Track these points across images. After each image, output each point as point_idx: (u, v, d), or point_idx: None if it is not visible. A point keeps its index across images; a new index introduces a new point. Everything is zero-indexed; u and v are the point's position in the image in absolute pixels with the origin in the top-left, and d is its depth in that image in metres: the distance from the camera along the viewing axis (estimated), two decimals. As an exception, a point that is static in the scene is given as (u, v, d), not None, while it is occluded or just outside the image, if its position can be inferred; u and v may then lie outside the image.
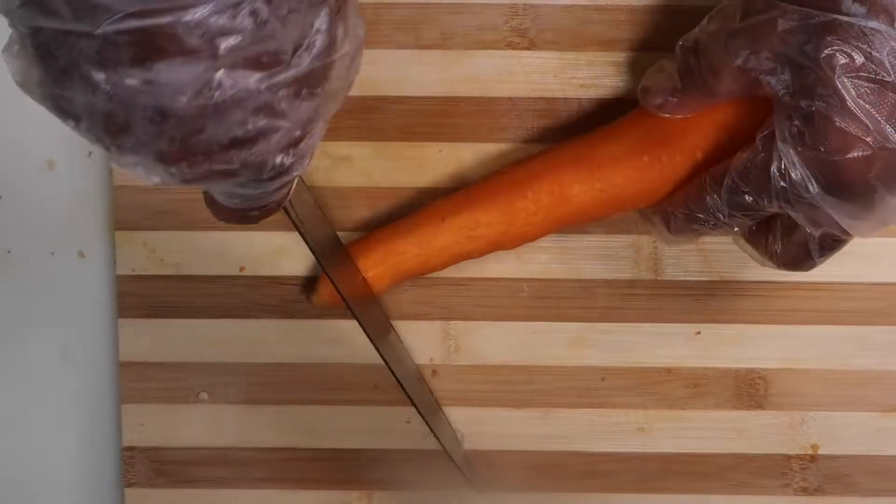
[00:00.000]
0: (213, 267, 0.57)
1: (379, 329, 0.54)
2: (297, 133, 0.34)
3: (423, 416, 0.54)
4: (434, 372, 0.57)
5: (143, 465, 0.58)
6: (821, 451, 0.57)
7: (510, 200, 0.52)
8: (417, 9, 0.55)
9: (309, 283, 0.57)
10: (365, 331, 0.52)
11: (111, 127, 0.31)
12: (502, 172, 0.54)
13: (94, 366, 0.59)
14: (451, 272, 0.56)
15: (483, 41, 0.55)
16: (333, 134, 0.56)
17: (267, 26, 0.30)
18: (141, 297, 0.57)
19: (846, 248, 0.55)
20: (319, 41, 0.32)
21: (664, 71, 0.49)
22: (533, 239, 0.54)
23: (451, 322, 0.57)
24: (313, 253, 0.50)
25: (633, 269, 0.56)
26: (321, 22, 0.32)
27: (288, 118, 0.33)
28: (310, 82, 0.33)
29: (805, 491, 0.57)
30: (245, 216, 0.40)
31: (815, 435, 0.57)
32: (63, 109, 0.31)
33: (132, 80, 0.30)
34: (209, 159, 0.32)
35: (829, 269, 0.56)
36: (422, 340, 0.57)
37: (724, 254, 0.56)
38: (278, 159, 0.34)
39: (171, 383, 0.57)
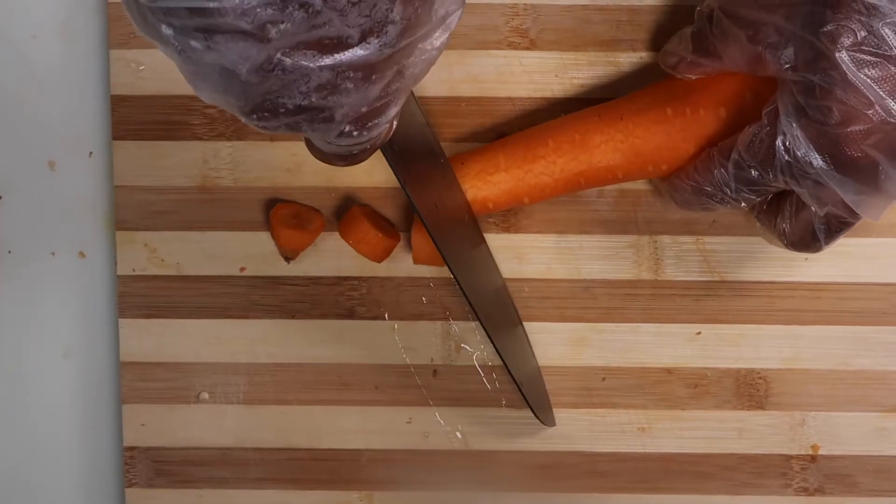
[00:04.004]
0: (214, 267, 0.57)
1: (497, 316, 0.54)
2: (364, 110, 0.35)
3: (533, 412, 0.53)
4: (434, 372, 0.57)
5: (143, 465, 0.57)
6: (821, 452, 0.57)
7: (530, 148, 0.53)
8: (418, 9, 0.55)
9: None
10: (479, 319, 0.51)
11: (187, 74, 0.34)
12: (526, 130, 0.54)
13: (95, 366, 0.59)
14: (452, 272, 0.56)
15: (484, 41, 0.55)
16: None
17: (321, 16, 0.31)
18: (141, 297, 0.57)
19: (846, 249, 0.55)
20: (392, 29, 0.33)
21: (684, 36, 0.50)
22: (550, 195, 0.53)
23: (451, 322, 0.57)
24: (416, 212, 0.50)
25: (634, 270, 0.56)
26: (395, 11, 0.32)
27: (352, 97, 0.34)
28: (379, 67, 0.34)
29: (805, 491, 0.57)
30: (342, 157, 0.40)
31: (816, 435, 0.57)
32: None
33: (196, 42, 0.31)
34: (277, 117, 0.34)
35: (830, 270, 0.56)
36: (422, 340, 0.57)
37: (724, 254, 0.56)
38: (346, 128, 0.36)
39: (172, 383, 0.57)
